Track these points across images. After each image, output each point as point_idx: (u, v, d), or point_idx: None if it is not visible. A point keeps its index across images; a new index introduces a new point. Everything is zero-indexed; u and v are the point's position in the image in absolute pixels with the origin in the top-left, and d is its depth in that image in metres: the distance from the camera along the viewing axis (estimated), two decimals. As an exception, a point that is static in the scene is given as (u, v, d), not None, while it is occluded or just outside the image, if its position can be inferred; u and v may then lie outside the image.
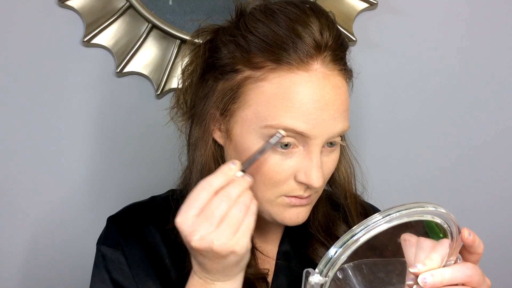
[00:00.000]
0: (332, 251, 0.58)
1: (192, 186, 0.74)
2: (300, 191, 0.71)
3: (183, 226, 0.62)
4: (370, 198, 0.89)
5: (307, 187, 0.70)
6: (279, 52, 0.68)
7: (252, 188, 0.70)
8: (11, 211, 1.07)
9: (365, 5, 1.12)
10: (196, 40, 0.79)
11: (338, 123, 0.69)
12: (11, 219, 1.07)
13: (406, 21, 1.15)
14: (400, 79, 1.17)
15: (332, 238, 0.82)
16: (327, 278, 0.59)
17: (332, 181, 0.82)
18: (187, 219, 0.62)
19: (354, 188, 0.83)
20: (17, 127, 1.05)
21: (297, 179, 0.70)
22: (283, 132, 0.67)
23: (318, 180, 0.69)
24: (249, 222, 0.63)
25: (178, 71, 1.07)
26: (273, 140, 0.67)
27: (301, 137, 0.68)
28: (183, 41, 1.06)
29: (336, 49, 0.70)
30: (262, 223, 0.80)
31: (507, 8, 1.18)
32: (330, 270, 0.58)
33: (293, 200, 0.71)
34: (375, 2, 1.12)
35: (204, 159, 0.74)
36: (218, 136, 0.75)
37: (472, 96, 1.20)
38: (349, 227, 0.82)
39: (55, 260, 1.09)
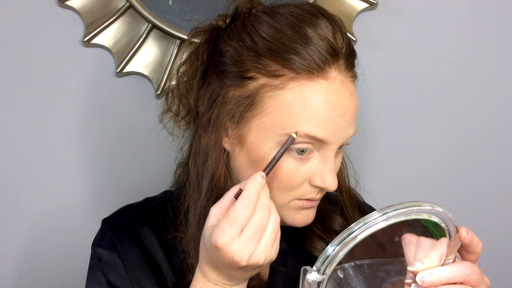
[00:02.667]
0: (330, 248, 0.58)
1: (202, 194, 0.74)
2: (313, 194, 0.72)
3: (229, 247, 0.62)
4: (363, 190, 0.91)
5: (320, 189, 0.72)
6: (304, 63, 0.67)
7: None
8: (7, 211, 1.07)
9: (365, 5, 1.12)
10: (195, 40, 0.79)
11: (352, 127, 0.71)
12: (7, 220, 1.07)
13: (406, 21, 1.15)
14: (400, 79, 1.17)
15: (328, 231, 0.83)
16: (324, 276, 0.59)
17: None
18: (229, 237, 0.62)
19: (347, 183, 0.85)
20: (16, 127, 1.05)
21: (312, 183, 0.71)
22: (294, 135, 0.67)
23: (333, 184, 0.70)
24: (279, 235, 0.66)
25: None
26: (288, 144, 0.67)
27: (319, 142, 0.69)
28: (183, 41, 1.06)
29: (349, 56, 0.71)
30: None
31: (507, 7, 1.18)
32: (328, 267, 0.58)
33: (305, 203, 0.73)
34: (375, 2, 1.12)
35: (215, 167, 0.73)
36: (225, 142, 0.74)
37: (471, 96, 1.20)
38: (345, 219, 0.84)
39: (50, 262, 1.09)
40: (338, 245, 0.58)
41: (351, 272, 0.62)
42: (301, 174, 0.70)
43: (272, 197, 0.70)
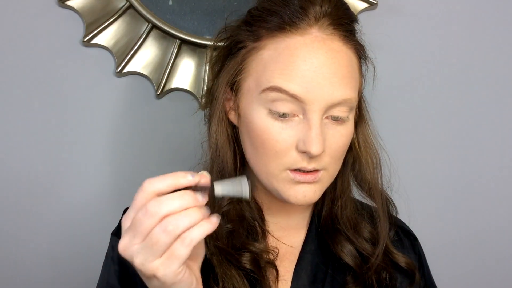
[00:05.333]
0: None
1: (208, 162, 0.77)
2: (303, 163, 0.70)
3: (122, 223, 0.59)
4: (395, 193, 0.86)
5: (309, 158, 0.69)
6: (277, 20, 0.70)
7: (256, 161, 0.71)
8: (9, 212, 1.07)
9: (365, 5, 1.12)
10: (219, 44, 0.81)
11: (336, 89, 0.69)
12: (13, 220, 1.07)
13: (406, 21, 1.15)
14: (400, 79, 1.17)
15: (359, 235, 0.81)
16: None
17: (356, 171, 0.80)
18: (126, 221, 0.59)
19: (380, 181, 0.81)
20: (16, 127, 1.05)
21: (298, 149, 0.69)
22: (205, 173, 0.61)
23: (316, 147, 0.67)
24: (180, 253, 0.56)
25: (180, 71, 1.08)
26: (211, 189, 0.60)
27: (298, 103, 0.68)
28: (183, 41, 1.06)
29: (336, 15, 0.71)
30: (284, 214, 0.80)
31: (508, 7, 1.18)
32: None
33: (298, 176, 0.70)
34: (375, 2, 1.12)
35: (219, 134, 0.76)
36: (232, 116, 0.76)
37: (472, 96, 1.20)
38: (374, 228, 0.81)
39: (75, 252, 1.10)
40: None
41: None
42: (285, 138, 0.69)
43: (262, 166, 0.71)
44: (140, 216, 0.56)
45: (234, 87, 0.74)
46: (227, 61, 0.76)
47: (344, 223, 0.80)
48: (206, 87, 0.85)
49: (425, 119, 1.19)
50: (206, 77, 1.05)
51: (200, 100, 1.01)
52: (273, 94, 0.68)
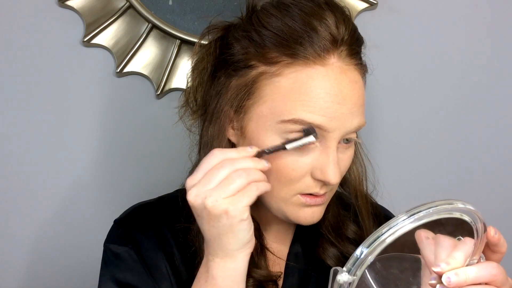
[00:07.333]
0: (359, 251, 0.57)
1: None
2: (316, 188, 0.70)
3: (187, 184, 0.65)
4: (380, 197, 0.88)
5: (324, 183, 0.70)
6: (295, 46, 0.67)
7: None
8: (13, 213, 1.07)
9: (365, 5, 1.12)
10: (205, 39, 0.79)
11: (355, 118, 0.69)
12: (14, 221, 1.07)
13: (406, 21, 1.15)
14: (400, 79, 1.17)
15: (342, 238, 0.81)
16: (355, 277, 0.57)
17: (343, 180, 0.81)
18: (193, 180, 0.64)
19: (365, 188, 0.82)
20: (16, 127, 1.05)
21: (313, 176, 0.69)
22: (314, 139, 0.67)
23: (335, 177, 0.68)
24: (250, 193, 0.63)
25: (180, 71, 1.08)
26: (302, 142, 0.67)
27: (319, 131, 0.68)
28: (183, 41, 1.06)
29: (352, 43, 0.70)
30: (274, 223, 0.80)
31: (507, 7, 1.18)
32: (358, 269, 0.57)
33: (309, 200, 0.71)
34: (375, 2, 1.12)
35: None
36: (231, 134, 0.74)
37: (472, 95, 1.20)
38: (359, 227, 0.82)
39: (59, 260, 1.09)
40: (367, 247, 0.56)
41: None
42: (301, 166, 0.69)
43: (274, 191, 0.70)
44: (215, 169, 0.63)
45: (240, 109, 0.71)
46: (228, 78, 0.73)
47: (326, 227, 0.81)
48: (187, 90, 0.81)
49: (425, 119, 1.20)
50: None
51: (186, 104, 0.85)
52: (294, 126, 0.67)
